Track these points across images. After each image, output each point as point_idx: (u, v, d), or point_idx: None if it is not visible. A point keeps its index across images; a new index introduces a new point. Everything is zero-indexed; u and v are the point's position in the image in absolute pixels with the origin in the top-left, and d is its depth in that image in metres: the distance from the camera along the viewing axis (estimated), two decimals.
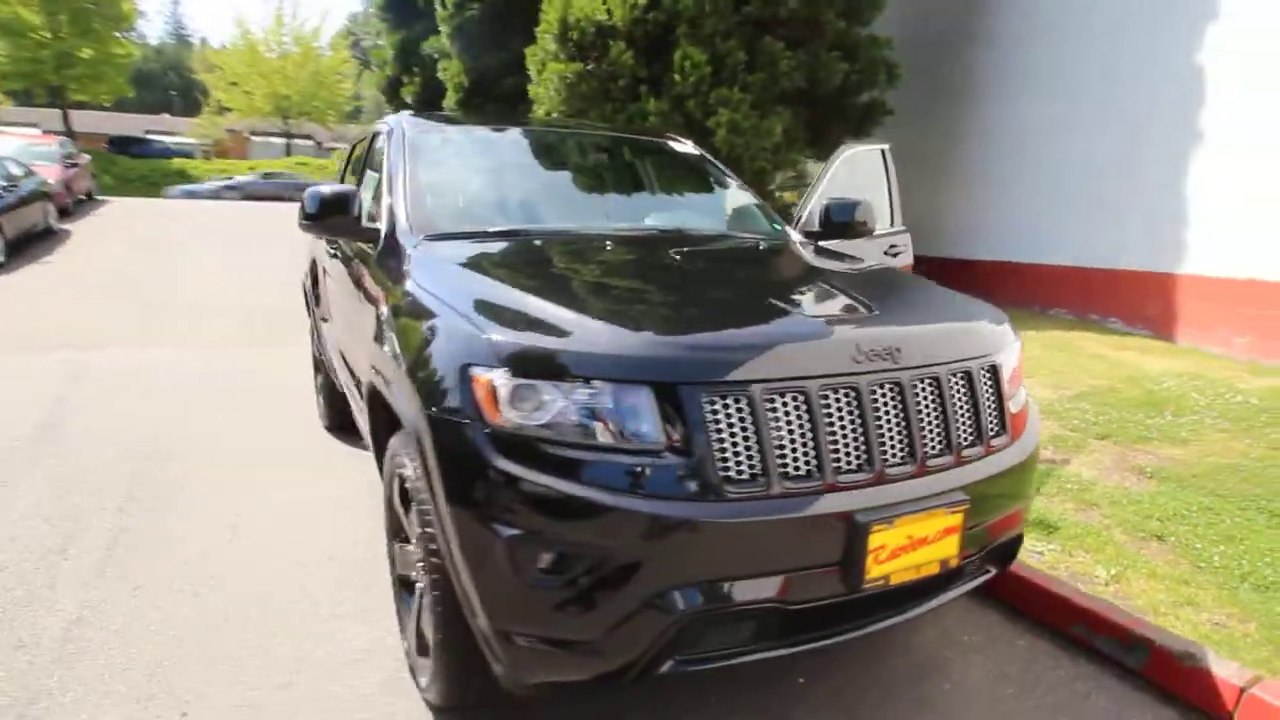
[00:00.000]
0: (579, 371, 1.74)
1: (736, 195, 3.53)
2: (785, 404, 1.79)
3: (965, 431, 2.03)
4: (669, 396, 1.73)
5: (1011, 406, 2.19)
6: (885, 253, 4.28)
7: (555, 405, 1.74)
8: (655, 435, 1.72)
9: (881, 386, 1.89)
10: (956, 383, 2.03)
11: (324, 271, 3.91)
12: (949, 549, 1.93)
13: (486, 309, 1.96)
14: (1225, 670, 2.27)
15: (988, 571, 2.25)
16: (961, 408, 2.03)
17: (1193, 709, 2.29)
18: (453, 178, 3.09)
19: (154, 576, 2.96)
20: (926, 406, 1.95)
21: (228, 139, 39.77)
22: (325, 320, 4.07)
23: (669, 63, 7.80)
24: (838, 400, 1.84)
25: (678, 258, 2.57)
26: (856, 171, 4.33)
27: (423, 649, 2.25)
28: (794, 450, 1.78)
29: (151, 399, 5.13)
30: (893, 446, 1.89)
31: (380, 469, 2.64)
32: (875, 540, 1.78)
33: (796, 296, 2.34)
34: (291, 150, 36.67)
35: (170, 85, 57.17)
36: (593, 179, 3.42)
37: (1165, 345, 6.37)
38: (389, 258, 2.65)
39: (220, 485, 3.84)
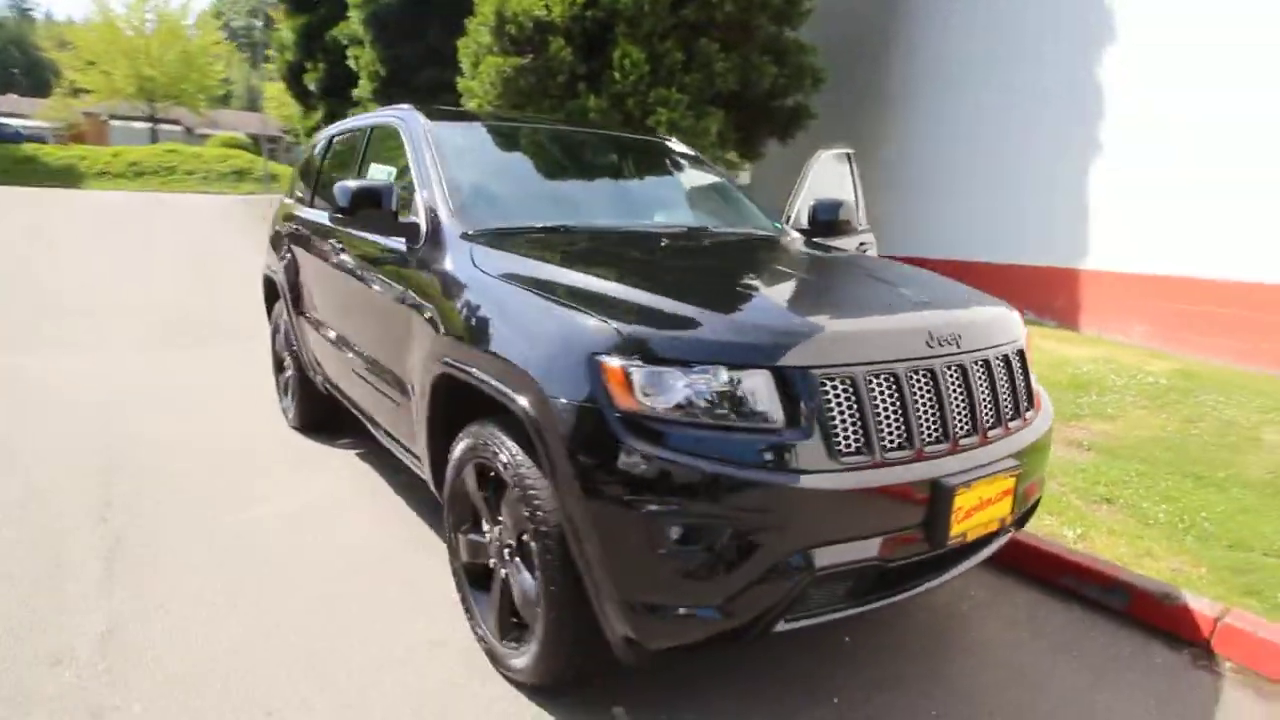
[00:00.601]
0: (704, 357, 1.89)
1: (736, 194, 3.73)
2: (880, 384, 2.00)
3: (1009, 406, 2.31)
4: (785, 379, 1.91)
5: (1033, 384, 2.50)
6: (855, 250, 4.60)
7: (683, 389, 1.88)
8: (775, 414, 1.90)
9: (950, 368, 2.14)
10: (999, 364, 2.30)
11: (316, 271, 3.83)
12: (1005, 509, 2.20)
13: (595, 300, 2.07)
14: (1199, 605, 2.67)
15: (1009, 530, 2.55)
16: (1005, 385, 2.31)
17: (1175, 640, 2.68)
18: (485, 173, 3.13)
19: (175, 589, 2.87)
20: (981, 385, 2.22)
21: (84, 122, 36.60)
22: (311, 320, 3.99)
23: (608, 60, 7.93)
24: (919, 380, 2.07)
25: (731, 252, 2.74)
26: (823, 173, 4.62)
27: (507, 633, 2.33)
28: (889, 425, 2.00)
29: (85, 410, 4.82)
30: (960, 420, 2.14)
31: (430, 464, 2.69)
32: (958, 502, 2.03)
33: (862, 288, 2.57)
34: (158, 136, 34.16)
35: (12, 63, 51.97)
36: (611, 176, 3.53)
37: (1074, 334, 7.08)
38: (437, 252, 2.68)
39: (202, 492, 3.72)
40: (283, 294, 4.38)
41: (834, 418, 1.93)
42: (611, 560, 1.91)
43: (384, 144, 3.52)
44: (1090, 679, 2.46)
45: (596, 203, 3.27)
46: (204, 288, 9.66)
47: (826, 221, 3.63)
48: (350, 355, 3.39)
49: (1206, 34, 5.94)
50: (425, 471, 2.80)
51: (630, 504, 1.86)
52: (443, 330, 2.47)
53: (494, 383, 2.16)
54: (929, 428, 2.07)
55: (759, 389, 1.90)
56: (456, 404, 2.49)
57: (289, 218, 4.52)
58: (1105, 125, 6.63)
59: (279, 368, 4.91)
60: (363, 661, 2.45)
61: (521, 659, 2.23)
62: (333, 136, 4.30)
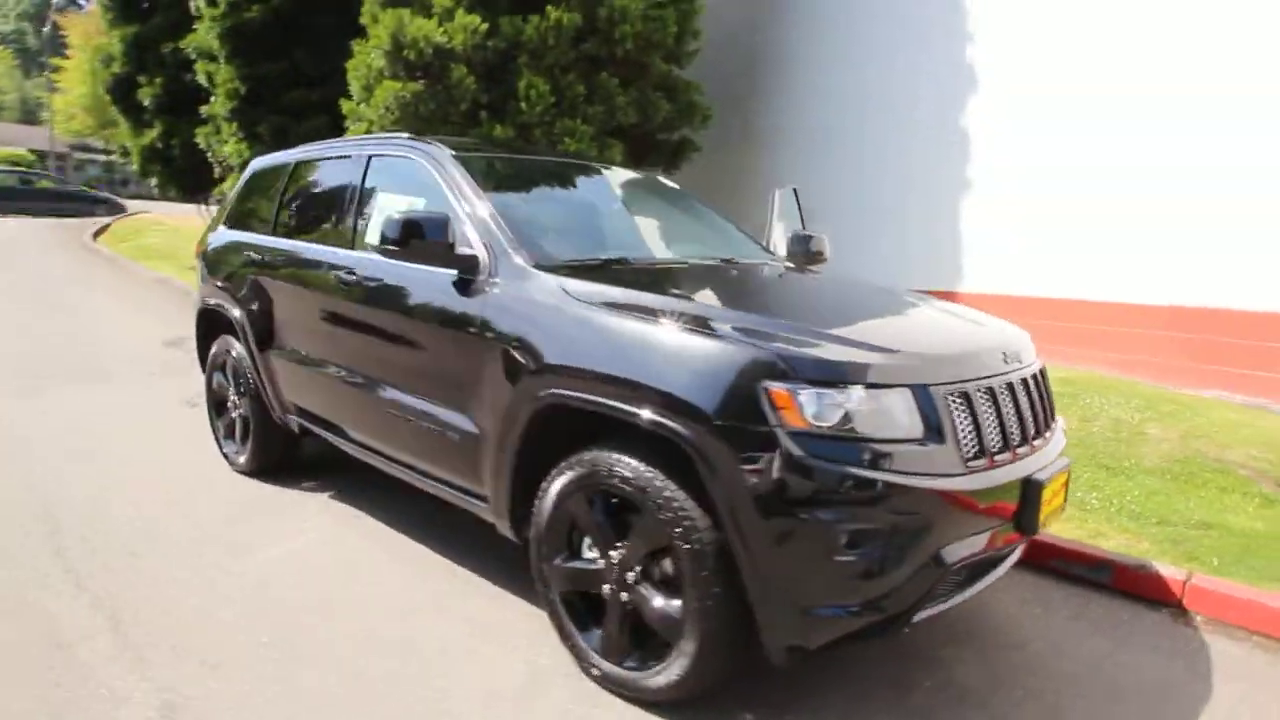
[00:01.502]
0: (853, 379, 2.09)
1: (724, 222, 3.97)
2: (982, 396, 2.30)
3: (1049, 413, 2.69)
4: (920, 395, 2.15)
5: None
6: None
7: (840, 408, 2.06)
8: (916, 427, 2.13)
9: (1019, 380, 2.48)
10: (1039, 377, 2.68)
11: (305, 306, 3.61)
12: (1061, 498, 2.56)
13: (744, 330, 2.21)
14: (1168, 572, 3.20)
15: None
16: (1044, 395, 2.68)
17: (1154, 603, 3.18)
18: (526, 207, 3.15)
19: (216, 647, 2.65)
20: (1034, 394, 2.57)
21: None
22: (293, 358, 3.75)
23: (511, 90, 7.97)
24: (1003, 392, 2.39)
25: (793, 282, 2.97)
26: (781, 207, 4.98)
27: (629, 656, 2.39)
28: (990, 432, 2.29)
29: None
30: (1029, 425, 2.48)
31: (509, 498, 2.68)
32: (1045, 494, 2.35)
33: (935, 313, 2.85)
34: None
35: None
36: (626, 209, 3.64)
37: None
38: (513, 284, 2.69)
39: (181, 544, 3.42)
40: (242, 332, 4.08)
41: (957, 428, 2.19)
42: (787, 570, 2.05)
43: (391, 175, 3.44)
44: (1108, 642, 2.89)
45: (624, 234, 3.38)
46: (54, 320, 8.62)
47: (802, 252, 3.95)
48: (367, 394, 3.25)
49: (1051, 86, 6.96)
50: (495, 506, 2.77)
51: (805, 516, 2.02)
52: (545, 361, 2.49)
53: (632, 409, 2.23)
54: (1012, 432, 2.39)
55: (901, 405, 2.12)
56: (553, 435, 2.52)
57: (240, 249, 4.22)
58: (973, 164, 7.55)
59: (219, 409, 4.53)
60: (471, 702, 2.39)
61: (661, 678, 2.29)
62: (297, 163, 4.09)
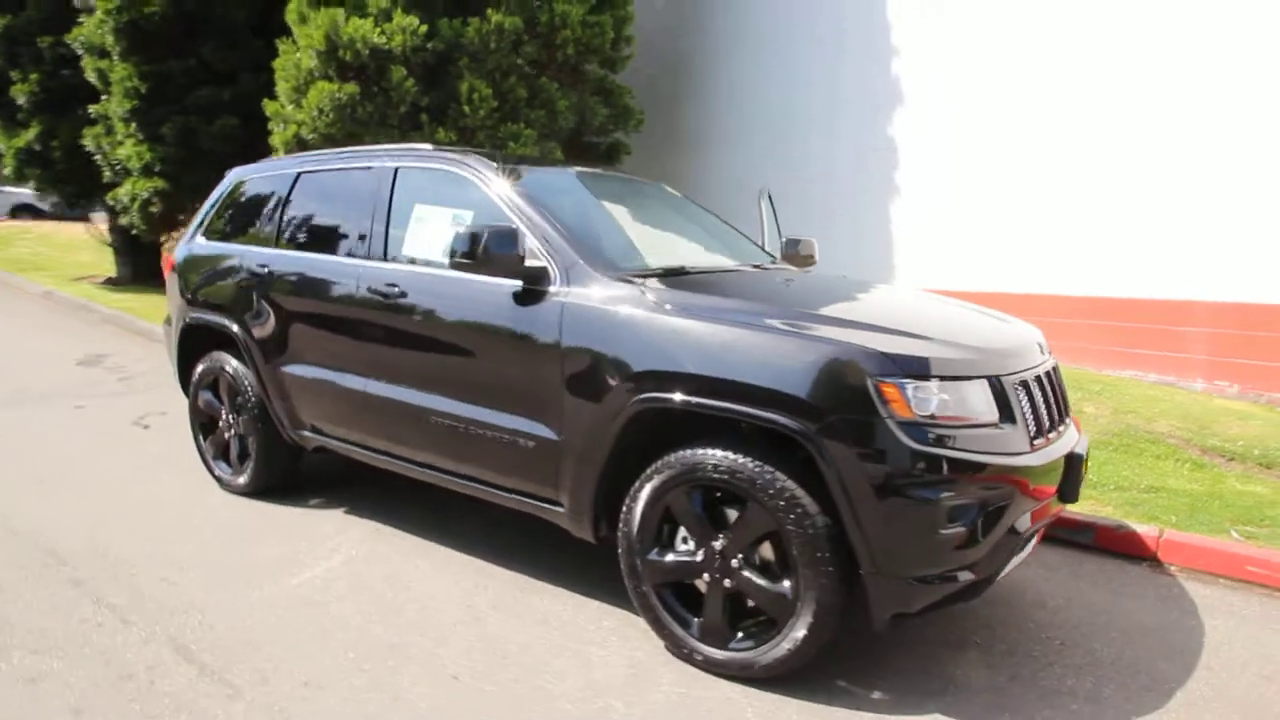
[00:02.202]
0: (948, 373, 2.36)
1: (728, 229, 4.19)
2: (1034, 384, 2.62)
3: (1066, 398, 3.06)
4: (994, 384, 2.44)
5: None
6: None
7: (937, 398, 2.32)
8: (994, 412, 2.42)
9: (1049, 370, 2.82)
10: (1057, 368, 3.04)
11: (333, 319, 3.56)
12: (1085, 472, 2.93)
13: (842, 331, 2.44)
14: (1142, 529, 3.67)
15: None
16: (1061, 384, 3.04)
17: (1135, 557, 3.64)
18: (580, 218, 3.23)
19: (303, 666, 2.64)
20: (1057, 382, 2.92)
21: None
22: (314, 371, 3.68)
23: (452, 93, 7.90)
24: (1043, 379, 2.72)
25: (839, 285, 3.22)
26: (765, 210, 5.24)
27: (713, 636, 2.58)
28: (1041, 414, 2.62)
29: None
30: (1062, 408, 2.83)
31: (593, 501, 2.80)
32: (1085, 469, 2.70)
33: (976, 312, 3.13)
34: None
35: None
36: (658, 218, 3.79)
37: None
38: (594, 292, 2.79)
39: (209, 567, 3.34)
40: (245, 348, 3.95)
41: (1021, 411, 2.50)
42: (897, 544, 2.29)
43: (424, 188, 3.44)
44: (1108, 594, 3.30)
45: (666, 242, 3.53)
46: None
47: (794, 255, 4.23)
48: (418, 408, 3.24)
49: (970, 98, 7.59)
50: (574, 509, 2.87)
51: (916, 495, 2.26)
52: (641, 368, 2.62)
53: (746, 410, 2.41)
54: (1053, 415, 2.72)
55: (982, 394, 2.41)
56: (639, 438, 2.66)
57: (234, 262, 4.08)
58: (900, 170, 8.11)
59: (206, 430, 4.35)
60: (583, 696, 2.50)
61: (772, 655, 2.47)
62: (299, 174, 3.99)
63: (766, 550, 2.52)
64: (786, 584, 2.45)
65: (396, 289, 3.30)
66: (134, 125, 9.88)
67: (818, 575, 2.37)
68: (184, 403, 4.53)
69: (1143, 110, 6.29)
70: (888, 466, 2.26)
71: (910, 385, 2.29)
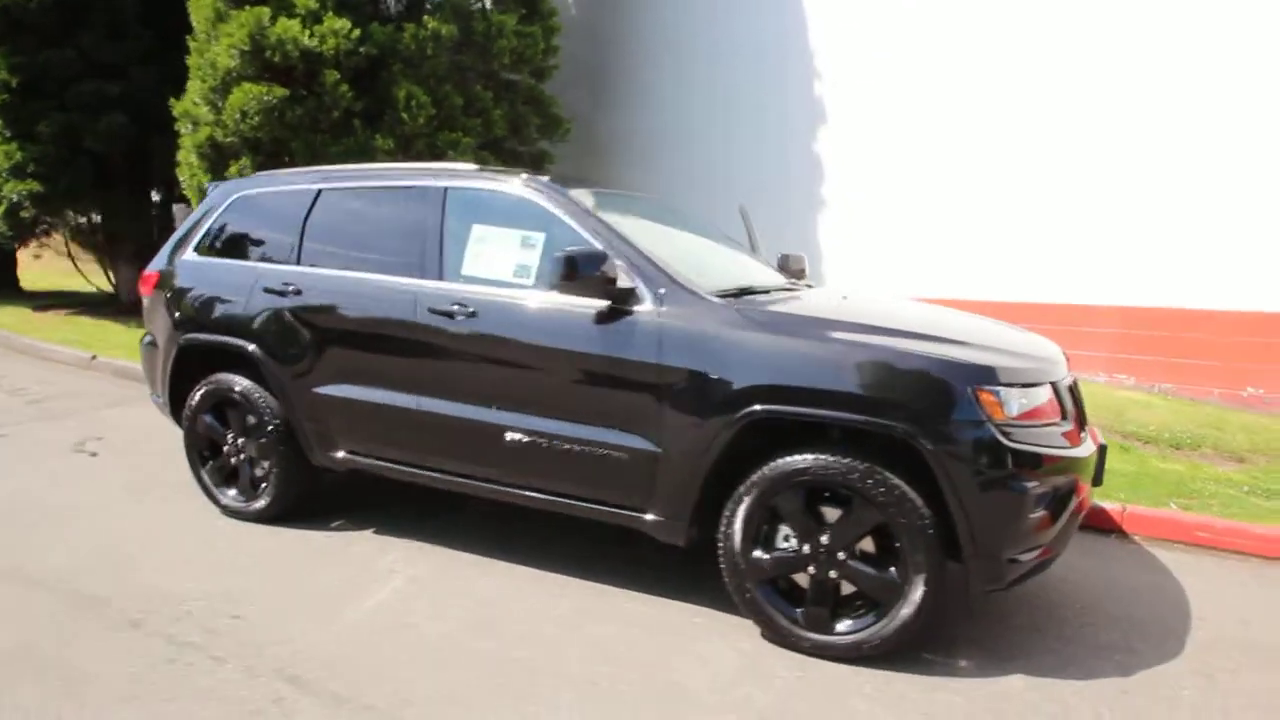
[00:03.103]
0: (1025, 381, 2.74)
1: (737, 244, 4.46)
2: (1070, 387, 3.06)
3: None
4: (1054, 388, 2.86)
5: None
6: None
7: (1019, 402, 2.70)
8: (1056, 411, 2.83)
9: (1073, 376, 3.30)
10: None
11: (378, 338, 3.54)
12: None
13: (936, 344, 2.76)
14: (1108, 505, 4.27)
15: None
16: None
17: (1104, 530, 4.22)
18: (653, 239, 3.38)
19: (440, 688, 2.67)
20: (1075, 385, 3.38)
21: None
22: (355, 390, 3.62)
23: (386, 98, 7.71)
24: (1071, 384, 3.18)
25: (886, 302, 3.56)
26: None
27: (817, 624, 2.84)
28: (1077, 412, 3.07)
29: None
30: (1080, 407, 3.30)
31: (694, 508, 2.99)
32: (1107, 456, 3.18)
33: (1006, 326, 3.51)
34: None
35: None
36: (697, 239, 3.99)
37: None
38: (695, 312, 2.98)
39: (269, 603, 3.24)
40: (267, 369, 3.80)
41: (1069, 410, 2.93)
42: (997, 529, 2.63)
43: (480, 208, 3.49)
44: (1098, 561, 3.82)
45: (716, 264, 3.73)
46: None
47: (786, 269, 4.57)
48: (488, 426, 3.29)
49: (892, 116, 8.27)
50: (668, 516, 3.04)
51: (1012, 486, 2.62)
52: (748, 382, 2.83)
53: (860, 417, 2.69)
54: (1082, 412, 3.19)
55: (1047, 396, 2.81)
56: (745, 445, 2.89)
57: (247, 279, 3.92)
58: (826, 183, 8.69)
59: (206, 455, 4.14)
60: (712, 688, 2.69)
61: (878, 635, 2.75)
62: (321, 191, 3.89)
63: (865, 542, 2.82)
64: (892, 570, 2.75)
65: (465, 308, 3.33)
66: (2, 122, 8.91)
67: (923, 561, 2.68)
68: (121, 425, 4.28)
69: (1043, 123, 7.14)
70: (989, 462, 2.61)
71: (1001, 391, 2.66)
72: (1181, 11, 6.61)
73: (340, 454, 3.77)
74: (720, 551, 2.98)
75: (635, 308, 3.06)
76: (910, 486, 2.68)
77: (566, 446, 3.16)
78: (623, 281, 3.07)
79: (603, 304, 3.08)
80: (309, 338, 3.72)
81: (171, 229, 4.80)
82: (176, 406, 4.22)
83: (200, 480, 4.15)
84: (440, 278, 3.46)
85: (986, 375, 2.67)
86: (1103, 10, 6.92)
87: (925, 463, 2.65)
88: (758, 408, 2.82)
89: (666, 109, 9.98)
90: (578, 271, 2.96)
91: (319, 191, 3.89)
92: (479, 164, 7.92)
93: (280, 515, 3.98)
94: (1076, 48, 7.04)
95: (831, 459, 2.75)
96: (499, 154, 8.86)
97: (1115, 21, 6.86)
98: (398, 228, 3.63)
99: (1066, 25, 7.10)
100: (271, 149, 7.67)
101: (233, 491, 4.07)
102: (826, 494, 2.82)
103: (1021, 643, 3.02)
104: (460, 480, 3.49)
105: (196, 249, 4.21)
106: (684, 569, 3.50)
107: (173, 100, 7.97)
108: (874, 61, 8.13)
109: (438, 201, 3.54)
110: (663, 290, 3.06)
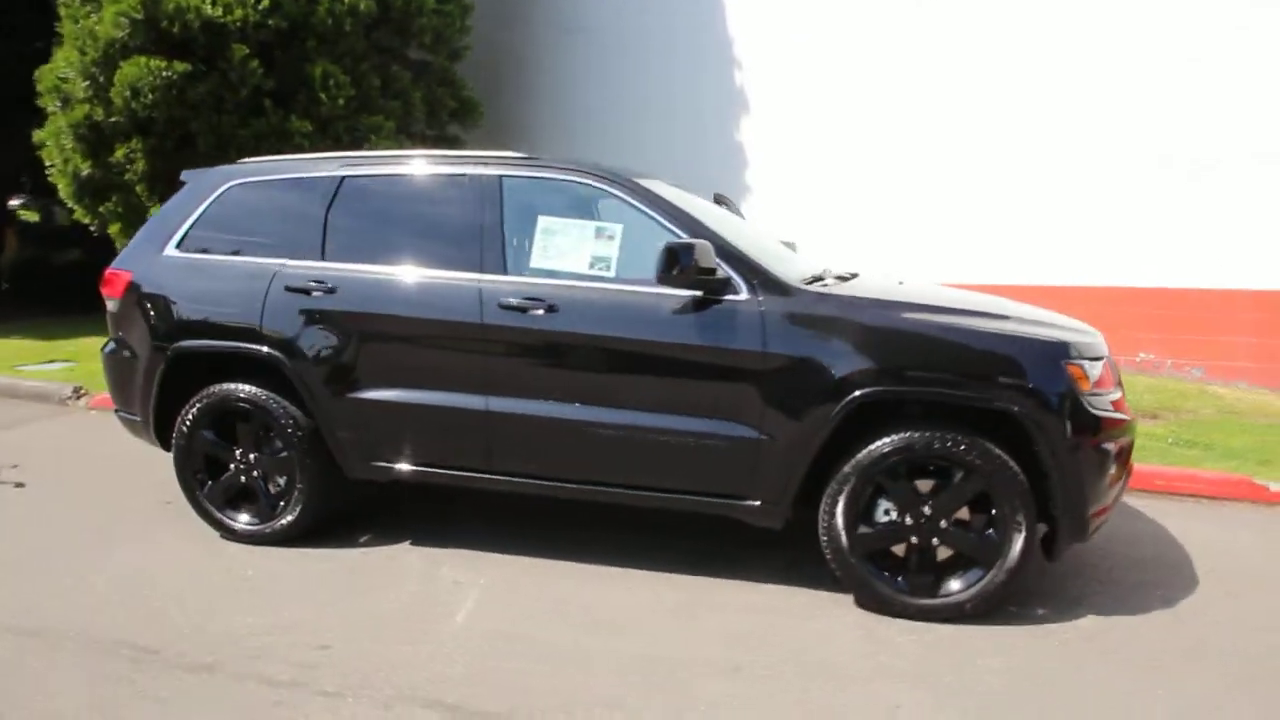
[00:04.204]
0: (1093, 354, 3.04)
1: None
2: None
3: None
4: (1108, 360, 3.18)
5: None
6: None
7: (1092, 373, 2.99)
8: (1114, 381, 3.16)
9: None
10: None
11: (451, 341, 3.37)
12: None
13: (1025, 324, 3.01)
14: None
15: None
16: None
17: None
18: (729, 231, 3.38)
19: (603, 693, 2.61)
20: None
21: None
22: (404, 393, 3.40)
23: (299, 77, 7.14)
24: None
25: (932, 285, 3.78)
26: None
27: (920, 589, 3.03)
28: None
29: None
30: None
31: (798, 490, 3.08)
32: None
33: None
34: None
35: None
36: (745, 225, 4.04)
37: None
38: (795, 301, 3.08)
39: (361, 633, 3.04)
40: (296, 378, 3.47)
41: (1117, 380, 3.29)
42: (1084, 489, 2.91)
43: (539, 197, 3.38)
44: (1121, 518, 4.12)
45: (774, 251, 3.75)
46: None
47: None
48: (574, 423, 3.21)
49: (816, 106, 8.62)
50: (770, 500, 3.10)
51: (1098, 449, 2.92)
52: (859, 366, 2.95)
53: (966, 394, 2.89)
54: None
55: (1107, 368, 3.13)
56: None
57: (258, 278, 3.56)
58: (749, 170, 8.94)
59: (204, 473, 3.71)
60: (854, 659, 2.78)
61: (980, 594, 2.95)
62: (344, 179, 3.58)
63: (966, 510, 3.03)
64: (991, 532, 2.97)
65: (542, 303, 3.21)
66: None
67: (1021, 522, 2.92)
68: (31, 448, 3.83)
69: (952, 114, 7.76)
70: (1079, 429, 2.89)
71: (1085, 364, 2.94)
72: None
73: (381, 463, 3.53)
74: (823, 529, 3.07)
75: (730, 297, 3.09)
76: (1010, 455, 2.91)
77: (663, 439, 3.15)
78: (720, 272, 3.09)
79: (696, 294, 3.09)
80: (347, 340, 3.44)
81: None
82: (161, 424, 3.76)
83: (198, 505, 3.72)
84: (504, 272, 3.31)
85: (1071, 351, 2.95)
86: None
87: (1014, 432, 2.90)
88: (869, 390, 2.95)
89: (578, 97, 9.86)
90: (679, 263, 2.95)
91: (341, 180, 3.59)
92: (399, 148, 7.59)
93: (301, 535, 3.67)
94: (1011, 23, 7.63)
95: (940, 435, 2.92)
96: (410, 138, 8.44)
97: None
98: (446, 220, 3.44)
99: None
100: (166, 130, 6.90)
101: (242, 514, 3.69)
102: (931, 468, 3.00)
103: (1081, 587, 3.34)
104: (535, 483, 3.38)
105: (180, 246, 3.76)
106: (756, 553, 3.58)
107: (43, 70, 6.96)
108: (793, 46, 8.44)
109: (493, 191, 3.38)
110: (757, 280, 3.11)
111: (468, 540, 3.73)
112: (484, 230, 3.35)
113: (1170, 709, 2.53)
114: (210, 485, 3.71)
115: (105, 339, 4.00)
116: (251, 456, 3.64)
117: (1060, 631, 3.00)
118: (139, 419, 3.83)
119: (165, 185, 6.06)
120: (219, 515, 3.70)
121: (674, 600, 3.22)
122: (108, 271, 3.91)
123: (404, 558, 3.59)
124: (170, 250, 3.75)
